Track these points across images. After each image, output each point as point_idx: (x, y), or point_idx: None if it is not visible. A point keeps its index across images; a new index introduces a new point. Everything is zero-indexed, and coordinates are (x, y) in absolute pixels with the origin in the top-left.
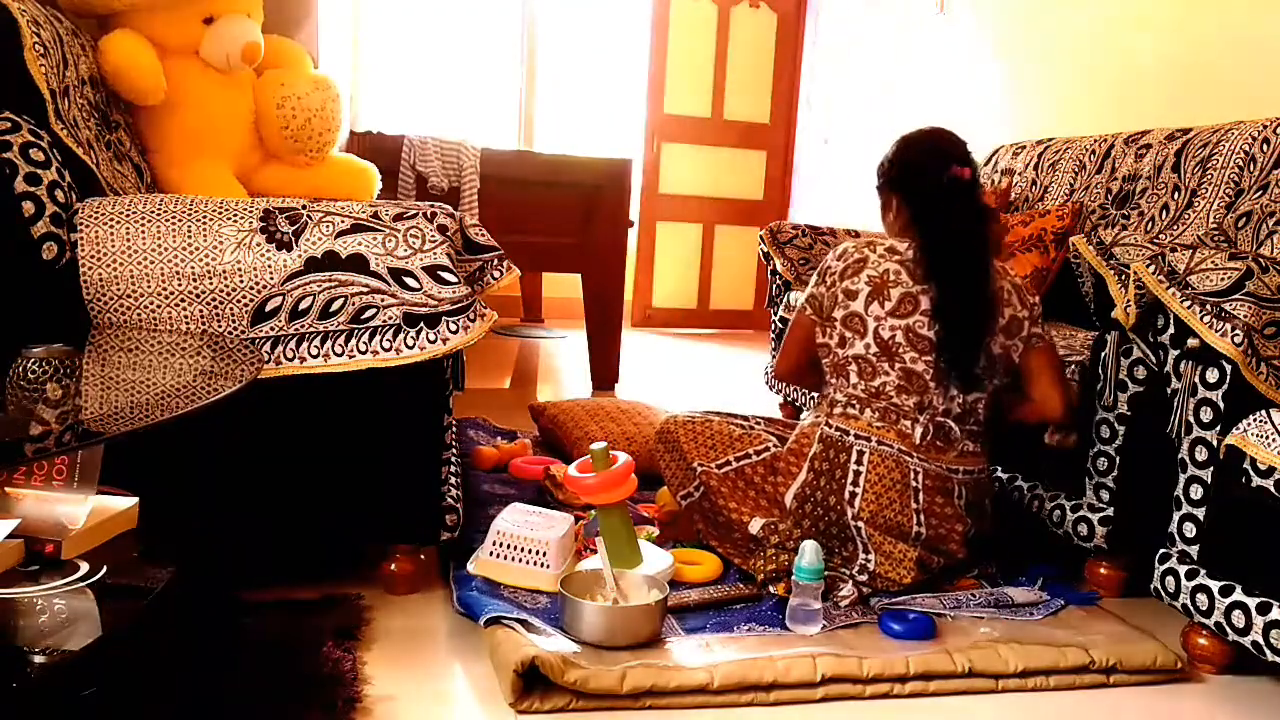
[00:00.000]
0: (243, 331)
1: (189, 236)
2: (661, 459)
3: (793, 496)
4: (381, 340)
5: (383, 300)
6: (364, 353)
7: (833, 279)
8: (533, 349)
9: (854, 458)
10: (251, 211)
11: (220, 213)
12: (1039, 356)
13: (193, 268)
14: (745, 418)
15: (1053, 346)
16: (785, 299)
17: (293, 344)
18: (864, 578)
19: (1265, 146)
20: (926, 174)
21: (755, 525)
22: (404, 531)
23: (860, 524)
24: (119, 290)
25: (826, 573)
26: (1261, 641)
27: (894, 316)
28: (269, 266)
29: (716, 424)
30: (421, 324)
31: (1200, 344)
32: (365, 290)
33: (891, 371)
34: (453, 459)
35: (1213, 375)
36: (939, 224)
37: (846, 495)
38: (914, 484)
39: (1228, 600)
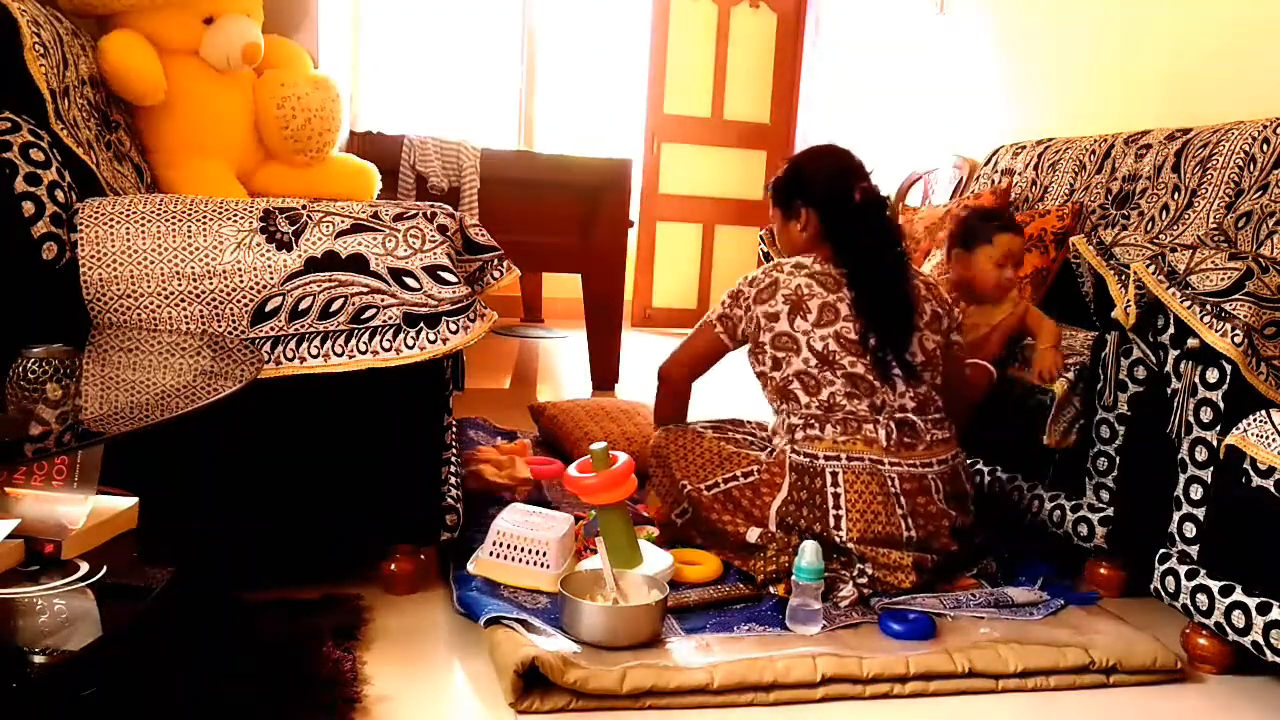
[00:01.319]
0: (243, 331)
1: (189, 236)
2: (653, 474)
3: (776, 526)
4: (381, 340)
5: (383, 300)
6: (364, 353)
7: (746, 303)
8: (533, 349)
9: (829, 481)
10: (251, 211)
11: (220, 213)
12: (951, 364)
13: (193, 268)
14: (743, 422)
15: (963, 357)
16: None
17: (293, 344)
18: (864, 580)
19: (1265, 146)
20: (839, 188)
21: (752, 535)
22: (404, 531)
23: (850, 545)
24: (119, 290)
25: (826, 573)
26: (1261, 641)
27: (819, 327)
28: (269, 266)
29: (708, 441)
30: (421, 324)
31: (1200, 344)
32: (365, 290)
33: (836, 379)
34: (453, 459)
35: (1213, 375)
36: (856, 231)
37: (831, 521)
38: (893, 489)
39: (1228, 600)
